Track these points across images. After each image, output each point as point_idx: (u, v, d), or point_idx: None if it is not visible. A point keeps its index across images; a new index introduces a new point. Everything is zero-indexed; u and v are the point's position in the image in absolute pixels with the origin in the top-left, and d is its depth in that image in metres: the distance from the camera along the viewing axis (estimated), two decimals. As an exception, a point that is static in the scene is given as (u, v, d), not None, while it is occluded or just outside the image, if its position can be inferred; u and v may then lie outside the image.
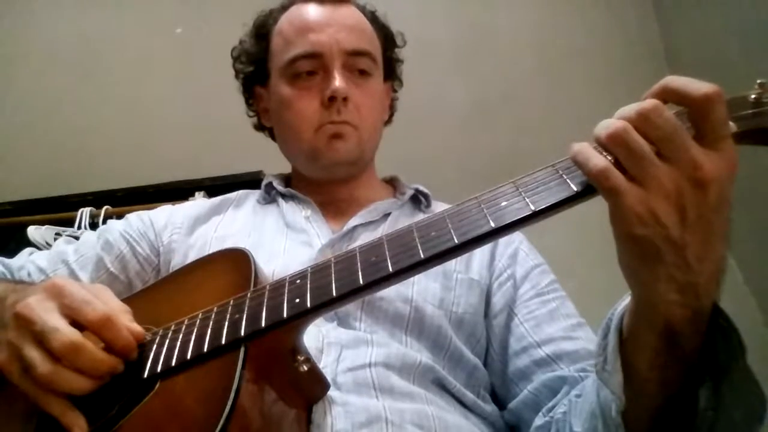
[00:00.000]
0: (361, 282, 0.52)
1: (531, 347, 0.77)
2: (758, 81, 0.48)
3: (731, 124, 0.47)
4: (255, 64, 0.98)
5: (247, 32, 1.00)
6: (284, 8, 0.97)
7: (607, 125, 0.46)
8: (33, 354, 0.55)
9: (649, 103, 0.45)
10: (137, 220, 0.93)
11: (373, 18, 0.99)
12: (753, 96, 0.49)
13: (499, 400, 0.80)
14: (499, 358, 0.80)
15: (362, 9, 0.98)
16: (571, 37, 2.16)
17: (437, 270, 0.80)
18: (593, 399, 0.56)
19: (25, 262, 0.87)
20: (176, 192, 1.99)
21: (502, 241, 0.88)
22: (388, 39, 1.01)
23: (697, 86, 0.45)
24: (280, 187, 0.95)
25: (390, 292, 0.75)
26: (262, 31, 0.97)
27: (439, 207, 0.94)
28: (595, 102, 1.89)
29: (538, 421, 0.70)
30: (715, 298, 0.48)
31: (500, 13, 2.21)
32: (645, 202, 0.44)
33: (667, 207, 0.44)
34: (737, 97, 0.49)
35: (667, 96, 0.46)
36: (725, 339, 0.48)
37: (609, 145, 0.46)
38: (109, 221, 1.05)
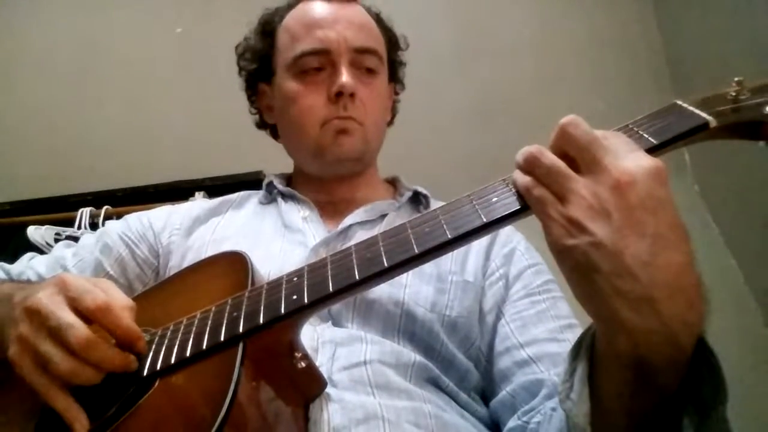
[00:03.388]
0: (357, 277, 0.53)
1: (514, 348, 0.76)
2: (735, 79, 0.50)
3: (710, 118, 0.49)
4: (259, 61, 0.98)
5: (252, 29, 1.00)
6: (290, 6, 0.97)
7: (522, 151, 0.49)
8: (51, 349, 0.55)
9: (567, 117, 0.48)
10: (136, 221, 0.93)
11: (378, 19, 0.99)
12: (731, 93, 0.50)
13: (485, 395, 0.79)
14: (485, 358, 0.79)
15: (367, 9, 0.98)
16: (571, 37, 2.16)
17: (431, 272, 0.80)
18: (563, 416, 0.55)
19: (25, 267, 0.88)
20: (176, 192, 2.00)
21: (499, 240, 0.87)
22: (392, 41, 1.01)
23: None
24: (280, 186, 0.95)
25: (381, 295, 0.75)
26: (268, 28, 0.97)
27: None
28: (595, 102, 1.89)
29: (512, 423, 0.70)
30: (695, 326, 0.44)
31: (500, 14, 2.22)
32: (568, 213, 0.45)
33: (591, 214, 0.44)
34: (716, 95, 0.51)
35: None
36: (711, 376, 0.44)
37: (526, 168, 0.49)
38: (108, 223, 1.04)
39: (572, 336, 0.75)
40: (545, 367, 0.72)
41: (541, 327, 0.77)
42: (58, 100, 2.31)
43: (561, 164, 0.47)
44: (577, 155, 0.47)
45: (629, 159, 0.45)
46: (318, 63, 0.89)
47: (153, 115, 2.26)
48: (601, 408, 0.49)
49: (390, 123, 1.06)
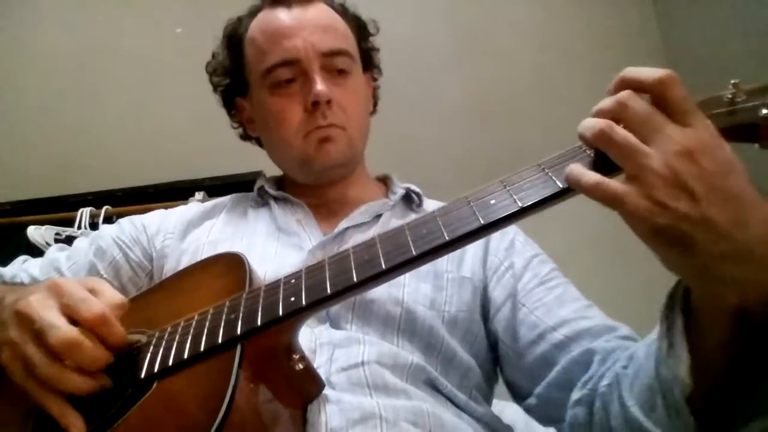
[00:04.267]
0: (355, 279, 0.53)
1: (547, 332, 0.75)
2: (732, 81, 0.50)
3: (707, 121, 0.48)
4: (231, 76, 0.97)
5: (218, 44, 0.99)
6: (252, 14, 0.95)
7: (589, 125, 0.48)
8: (34, 353, 0.55)
9: (623, 93, 0.47)
10: (130, 225, 0.93)
11: (343, 11, 0.97)
12: (728, 95, 0.51)
13: (520, 391, 0.79)
14: (512, 350, 0.78)
15: (330, 3, 0.96)
16: (571, 37, 2.16)
17: (428, 271, 0.80)
18: (650, 374, 0.55)
19: (18, 270, 0.87)
20: (176, 192, 2.00)
21: (496, 235, 0.87)
22: (361, 29, 0.99)
23: (650, 73, 0.47)
24: (271, 190, 0.95)
25: (381, 295, 0.75)
26: (234, 41, 0.96)
27: (431, 205, 0.93)
28: (594, 101, 1.89)
29: (575, 395, 0.68)
30: None
31: (500, 13, 2.22)
32: (647, 195, 0.44)
33: (671, 190, 0.44)
34: (713, 97, 0.51)
35: (627, 87, 0.48)
36: None
37: (596, 143, 0.48)
38: (102, 227, 1.05)
39: (595, 314, 0.77)
40: (587, 342, 0.72)
41: (565, 309, 0.77)
42: (59, 100, 2.31)
43: (633, 138, 0.46)
44: (639, 127, 0.46)
45: (687, 122, 0.45)
46: (289, 74, 0.87)
47: (153, 115, 2.26)
48: (702, 360, 0.50)
49: (373, 112, 1.04)
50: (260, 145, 1.01)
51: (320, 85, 0.85)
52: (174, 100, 2.26)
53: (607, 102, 0.48)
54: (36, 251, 1.68)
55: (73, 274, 0.86)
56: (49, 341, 0.54)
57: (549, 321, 0.76)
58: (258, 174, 1.82)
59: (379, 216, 0.90)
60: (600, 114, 0.48)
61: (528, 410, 0.77)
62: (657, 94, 0.46)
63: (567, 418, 0.69)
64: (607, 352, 0.69)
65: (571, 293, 0.81)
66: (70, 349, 0.54)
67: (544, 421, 0.76)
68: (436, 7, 2.23)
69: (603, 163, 0.48)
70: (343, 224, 0.87)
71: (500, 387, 0.86)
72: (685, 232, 0.44)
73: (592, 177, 0.46)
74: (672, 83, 0.46)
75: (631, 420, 0.57)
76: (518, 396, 0.79)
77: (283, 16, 0.90)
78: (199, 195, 1.95)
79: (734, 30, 1.67)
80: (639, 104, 0.47)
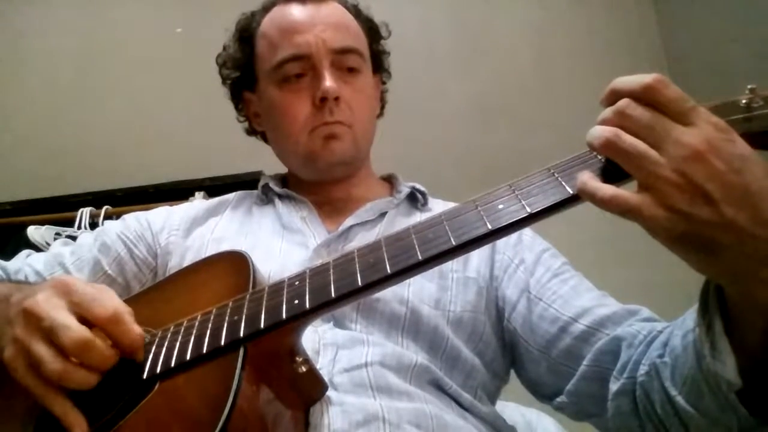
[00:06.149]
0: (359, 283, 0.53)
1: (568, 325, 0.74)
2: (749, 86, 0.49)
3: None
4: (241, 69, 0.97)
5: (230, 37, 0.99)
6: (266, 9, 0.95)
7: (596, 134, 0.47)
8: (42, 350, 0.55)
9: (622, 102, 0.46)
10: (134, 221, 0.93)
11: (356, 12, 0.97)
12: (744, 101, 0.49)
13: (547, 390, 0.78)
14: (534, 347, 0.78)
15: (344, 3, 0.97)
16: (571, 37, 2.16)
17: (433, 270, 0.79)
18: (691, 365, 0.55)
19: (22, 265, 0.87)
20: (176, 192, 2.00)
21: None
22: (373, 31, 0.99)
23: (638, 80, 0.46)
24: (276, 188, 0.95)
25: (386, 294, 0.75)
26: (246, 34, 0.96)
27: (436, 205, 0.94)
28: (595, 102, 1.89)
29: (614, 386, 0.67)
30: None
31: (500, 13, 2.22)
32: (663, 204, 0.43)
33: (685, 196, 0.43)
34: (728, 102, 0.50)
35: (619, 98, 0.47)
36: None
37: (604, 153, 0.47)
38: (106, 223, 1.04)
39: (612, 301, 0.77)
40: (611, 329, 0.71)
41: (582, 299, 0.77)
42: (59, 100, 2.31)
43: (642, 145, 0.45)
44: (643, 134, 0.45)
45: (689, 121, 0.44)
46: (299, 69, 0.87)
47: (153, 115, 2.26)
48: (745, 352, 0.50)
49: (380, 115, 1.04)
50: (265, 140, 1.01)
51: (329, 82, 0.85)
52: (174, 100, 2.26)
53: (608, 113, 0.47)
54: (36, 251, 1.68)
55: (77, 269, 0.86)
56: (62, 341, 0.54)
57: (569, 312, 0.75)
58: (258, 174, 1.83)
59: (384, 214, 0.90)
60: (604, 125, 0.47)
61: (559, 408, 0.76)
62: (651, 101, 0.46)
63: (609, 409, 0.68)
64: (633, 336, 0.68)
65: (585, 284, 0.80)
66: (83, 350, 0.54)
67: (579, 416, 0.75)
68: (438, 7, 2.24)
69: (614, 168, 0.47)
70: (348, 222, 0.87)
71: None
72: (707, 236, 0.44)
73: (608, 191, 0.45)
74: (661, 86, 0.45)
75: (679, 409, 0.58)
76: (544, 395, 0.79)
77: (296, 11, 0.91)
78: (199, 195, 1.95)
79: (734, 31, 1.67)
80: (639, 112, 0.46)
